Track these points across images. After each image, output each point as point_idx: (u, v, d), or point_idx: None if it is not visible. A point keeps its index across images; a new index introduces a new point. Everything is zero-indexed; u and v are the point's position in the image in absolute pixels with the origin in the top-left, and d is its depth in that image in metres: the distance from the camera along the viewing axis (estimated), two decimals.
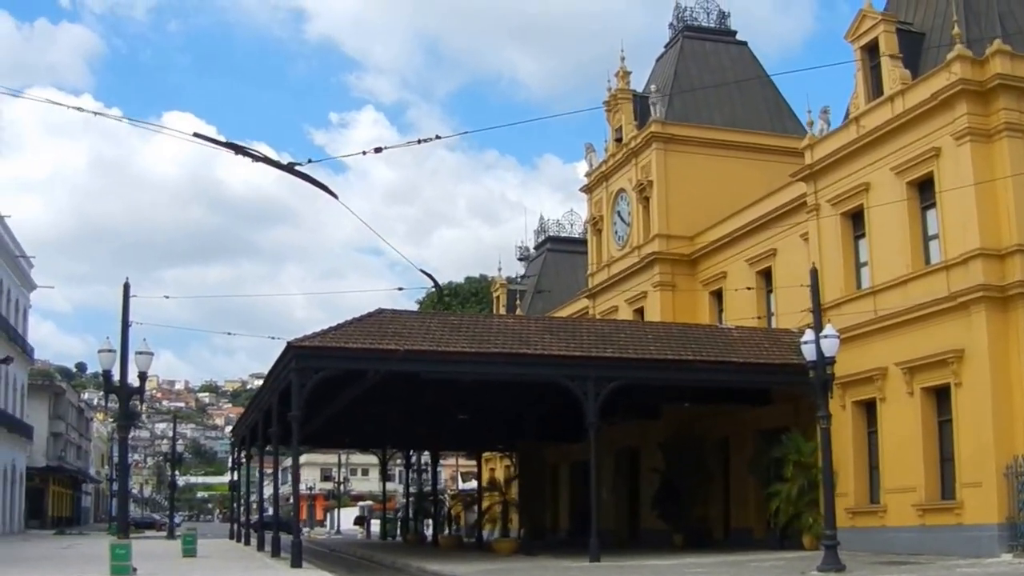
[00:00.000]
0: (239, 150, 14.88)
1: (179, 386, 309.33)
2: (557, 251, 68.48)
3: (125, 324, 29.85)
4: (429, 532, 62.40)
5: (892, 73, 34.05)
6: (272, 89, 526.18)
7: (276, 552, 38.63)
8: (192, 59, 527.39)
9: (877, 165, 34.31)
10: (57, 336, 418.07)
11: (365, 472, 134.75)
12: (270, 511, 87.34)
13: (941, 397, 31.90)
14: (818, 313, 28.53)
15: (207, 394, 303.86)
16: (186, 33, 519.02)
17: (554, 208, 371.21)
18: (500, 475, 68.50)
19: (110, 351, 28.68)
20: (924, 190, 32.94)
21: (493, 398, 42.72)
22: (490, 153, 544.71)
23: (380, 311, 34.71)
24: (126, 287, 30.36)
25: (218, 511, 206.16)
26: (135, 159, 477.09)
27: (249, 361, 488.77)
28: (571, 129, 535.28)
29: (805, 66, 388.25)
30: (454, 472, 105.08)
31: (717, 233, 45.77)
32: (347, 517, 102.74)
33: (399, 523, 72.43)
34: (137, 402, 30.80)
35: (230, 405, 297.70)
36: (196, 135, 14.93)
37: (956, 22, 32.06)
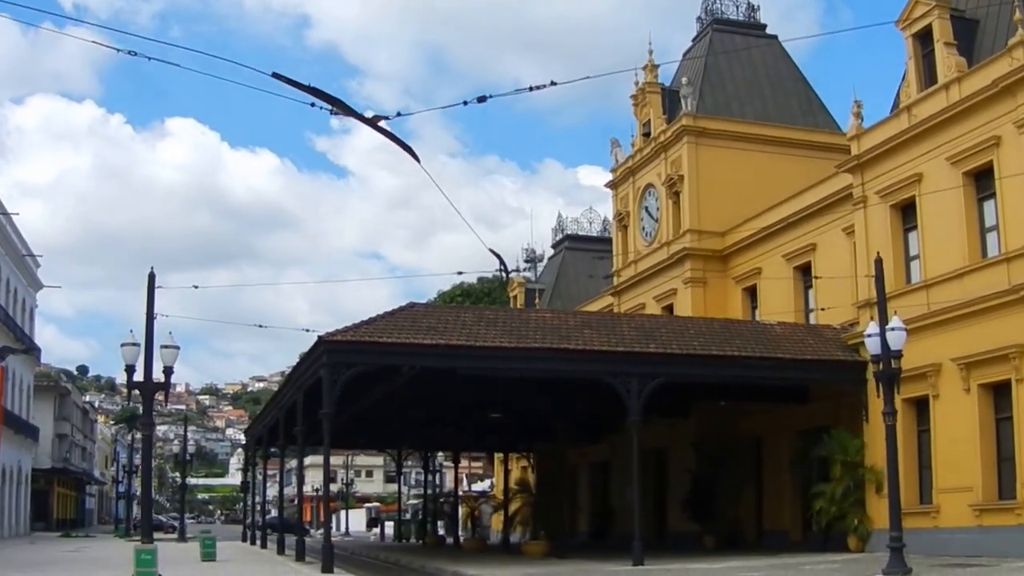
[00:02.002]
0: (319, 95, 13.59)
1: (179, 389, 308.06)
2: (576, 249, 67.19)
3: (150, 317, 28.45)
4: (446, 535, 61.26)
5: (947, 60, 32.88)
6: (274, 96, 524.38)
7: (300, 556, 37.35)
8: (195, 66, 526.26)
9: (931, 155, 33.14)
10: (59, 339, 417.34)
11: (369, 474, 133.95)
12: (273, 513, 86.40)
13: (1000, 394, 30.74)
14: (883, 305, 27.20)
15: (207, 397, 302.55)
16: (188, 40, 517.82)
17: (553, 213, 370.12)
18: (516, 476, 67.33)
19: (134, 345, 27.32)
20: (982, 180, 31.78)
21: (517, 397, 41.42)
22: (490, 159, 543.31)
23: (412, 305, 33.53)
24: (151, 277, 28.93)
25: (219, 513, 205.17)
26: (140, 166, 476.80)
27: (249, 364, 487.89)
28: (572, 134, 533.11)
29: (830, 60, 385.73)
30: (458, 474, 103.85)
31: (751, 228, 44.55)
32: (353, 519, 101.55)
33: (413, 525, 71.26)
34: (161, 399, 29.28)
35: (230, 408, 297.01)
36: (275, 75, 13.64)
37: (1018, 7, 30.85)
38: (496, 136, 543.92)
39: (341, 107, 14.08)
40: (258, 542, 55.61)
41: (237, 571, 32.11)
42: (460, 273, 75.63)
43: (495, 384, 36.70)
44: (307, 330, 32.18)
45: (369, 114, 14.83)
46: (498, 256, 25.81)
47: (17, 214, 67.80)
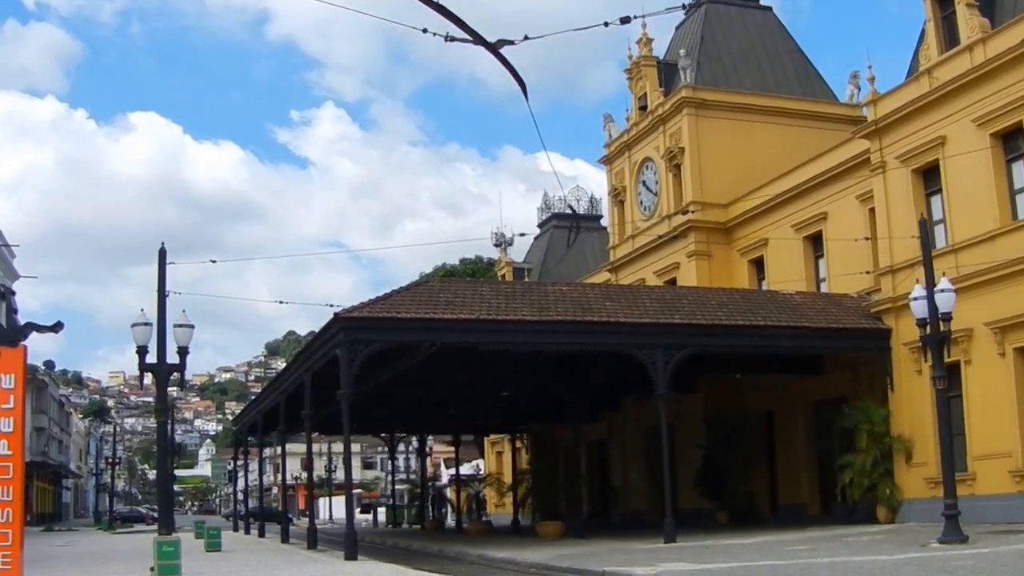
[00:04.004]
0: (444, 12, 12.59)
1: (147, 380, 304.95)
2: (564, 227, 66.11)
3: (162, 295, 27.23)
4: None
5: (970, 22, 32.13)
6: (234, 89, 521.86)
7: (313, 544, 36.38)
8: (156, 61, 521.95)
9: (955, 117, 32.40)
10: None
11: None
12: (251, 503, 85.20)
13: None
14: (929, 266, 26.48)
15: (174, 389, 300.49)
16: (148, 36, 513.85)
17: (516, 199, 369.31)
18: (508, 459, 66.49)
19: (145, 324, 26.06)
20: (1010, 141, 31.15)
21: (521, 375, 40.59)
22: (451, 146, 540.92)
23: (428, 279, 32.52)
24: (162, 253, 27.64)
25: (190, 503, 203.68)
26: (103, 160, 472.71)
27: (215, 356, 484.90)
28: (531, 122, 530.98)
29: (821, 28, 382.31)
30: (432, 459, 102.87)
31: (757, 199, 43.76)
32: (336, 506, 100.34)
33: (407, 510, 70.32)
34: (178, 382, 28.06)
35: (198, 399, 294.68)
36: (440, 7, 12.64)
37: None
38: (457, 124, 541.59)
39: (464, 27, 13.06)
40: (253, 531, 54.63)
41: (254, 562, 30.91)
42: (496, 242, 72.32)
43: (500, 362, 35.99)
44: (329, 305, 30.94)
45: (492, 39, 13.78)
46: (571, 207, 24.79)
47: None
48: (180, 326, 26.53)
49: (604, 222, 63.86)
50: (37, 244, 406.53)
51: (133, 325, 25.97)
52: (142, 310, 26.42)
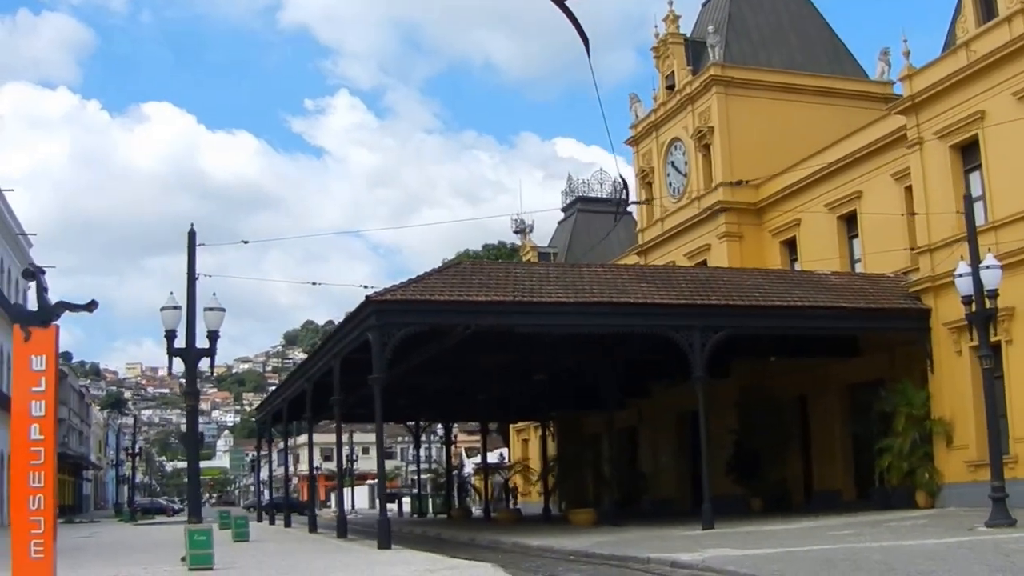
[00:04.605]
0: None
1: (162, 372, 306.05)
2: (588, 211, 65.53)
3: (191, 278, 26.68)
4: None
5: None
6: (247, 78, 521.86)
7: (343, 533, 35.84)
8: (168, 50, 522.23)
9: (994, 91, 31.74)
10: None
11: (366, 451, 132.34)
12: (265, 494, 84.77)
13: None
14: (974, 242, 25.79)
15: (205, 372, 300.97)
16: (160, 25, 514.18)
17: (534, 186, 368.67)
18: (535, 447, 65.91)
19: (175, 308, 25.46)
20: None
21: (551, 360, 40.01)
22: (468, 133, 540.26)
23: (459, 262, 31.95)
24: (191, 235, 27.11)
25: (209, 495, 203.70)
26: (117, 151, 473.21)
27: (233, 346, 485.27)
28: (547, 107, 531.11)
29: (850, 4, 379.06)
30: (458, 447, 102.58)
31: (790, 179, 43.05)
32: (357, 496, 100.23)
33: (433, 499, 69.82)
34: (208, 366, 27.39)
35: (215, 390, 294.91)
36: None
37: None
38: (473, 111, 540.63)
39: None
40: (278, 522, 54.20)
41: (285, 551, 30.38)
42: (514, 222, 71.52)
43: (532, 346, 35.47)
44: (364, 286, 30.30)
45: None
46: (623, 178, 24.19)
47: (12, 190, 65.74)
48: (210, 309, 25.95)
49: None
50: (52, 236, 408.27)
51: (162, 309, 25.34)
52: (171, 293, 25.82)
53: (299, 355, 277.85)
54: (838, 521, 30.09)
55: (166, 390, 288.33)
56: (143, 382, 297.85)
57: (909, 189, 36.17)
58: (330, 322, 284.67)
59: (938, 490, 33.12)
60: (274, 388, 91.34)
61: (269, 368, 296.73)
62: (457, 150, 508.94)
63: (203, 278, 26.79)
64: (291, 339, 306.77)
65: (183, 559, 23.93)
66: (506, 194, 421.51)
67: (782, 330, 33.80)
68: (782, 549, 22.00)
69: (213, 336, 26.06)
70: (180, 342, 25.23)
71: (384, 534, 28.37)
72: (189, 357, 25.70)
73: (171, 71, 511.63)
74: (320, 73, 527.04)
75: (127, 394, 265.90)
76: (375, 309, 29.32)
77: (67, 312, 16.64)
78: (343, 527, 36.16)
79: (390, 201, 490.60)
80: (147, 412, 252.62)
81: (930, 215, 33.65)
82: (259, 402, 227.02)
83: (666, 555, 21.88)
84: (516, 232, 78.80)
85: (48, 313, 15.68)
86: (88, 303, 16.60)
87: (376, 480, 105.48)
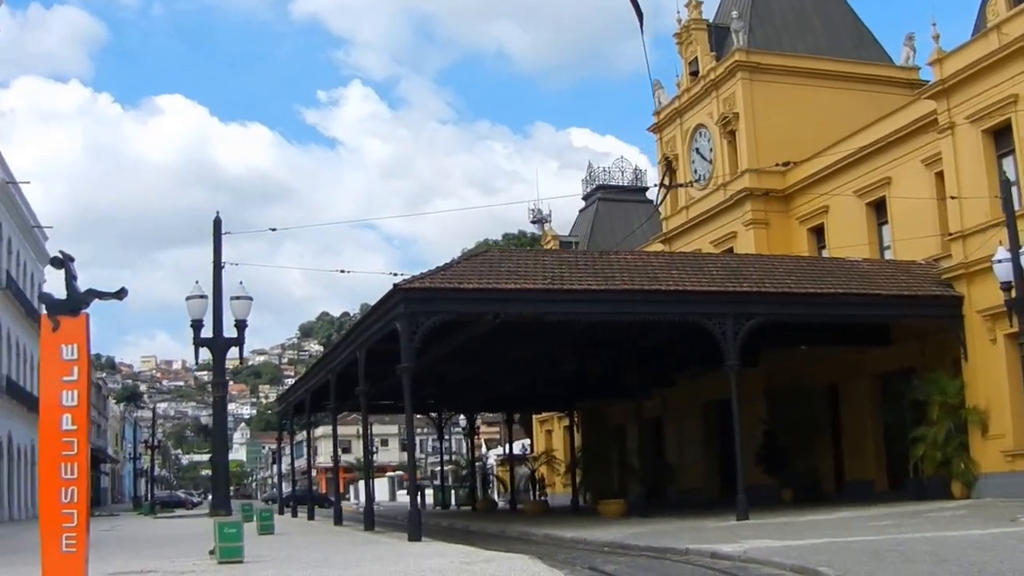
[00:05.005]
0: None
1: (176, 366, 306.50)
2: (609, 200, 65.01)
3: (217, 266, 26.33)
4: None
5: None
6: (260, 69, 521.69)
7: (370, 525, 35.41)
8: (179, 43, 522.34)
9: None
10: None
11: (384, 443, 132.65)
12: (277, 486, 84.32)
13: None
14: (1013, 228, 25.37)
15: (207, 372, 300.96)
16: (171, 17, 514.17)
17: (549, 176, 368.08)
18: (558, 438, 65.51)
19: (201, 297, 25.09)
20: None
21: (580, 348, 39.54)
22: (482, 124, 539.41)
23: (487, 250, 31.52)
24: (217, 222, 26.76)
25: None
26: (130, 144, 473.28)
27: (248, 338, 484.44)
28: (561, 97, 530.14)
29: None
30: (479, 439, 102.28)
31: (817, 165, 42.46)
32: (377, 488, 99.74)
33: (456, 491, 69.46)
34: (237, 355, 27.02)
35: (232, 382, 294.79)
36: None
37: None
38: (487, 101, 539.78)
39: None
40: (301, 514, 53.88)
41: (312, 544, 29.90)
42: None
43: (561, 335, 35.07)
44: (393, 273, 29.94)
45: None
46: (669, 161, 23.70)
47: (28, 183, 65.37)
48: (237, 298, 25.62)
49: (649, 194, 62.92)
50: (64, 230, 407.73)
51: (188, 298, 25.02)
52: (196, 282, 25.48)
53: (315, 347, 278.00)
54: (874, 512, 29.58)
55: (181, 383, 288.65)
56: (158, 375, 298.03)
57: (940, 175, 35.66)
58: (345, 314, 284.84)
59: (974, 480, 32.62)
60: (293, 381, 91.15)
61: (285, 360, 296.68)
62: (471, 140, 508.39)
63: (228, 267, 26.58)
64: (307, 331, 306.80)
65: (211, 552, 23.53)
66: (521, 184, 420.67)
67: (816, 317, 33.26)
68: (824, 540, 21.56)
69: (241, 325, 25.74)
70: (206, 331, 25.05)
71: (415, 526, 27.97)
72: (216, 347, 25.38)
73: (183, 63, 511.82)
74: (333, 64, 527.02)
75: (142, 387, 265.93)
76: (403, 297, 28.88)
77: (96, 300, 16.27)
78: (370, 519, 35.72)
79: (404, 192, 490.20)
80: (162, 405, 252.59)
81: (962, 201, 33.11)
82: (275, 395, 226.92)
83: (705, 546, 21.46)
84: (533, 222, 78.38)
85: (77, 301, 15.24)
86: (118, 291, 16.18)
87: (395, 472, 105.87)
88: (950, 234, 34.18)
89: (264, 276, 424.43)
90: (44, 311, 14.86)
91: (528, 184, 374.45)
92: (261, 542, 30.32)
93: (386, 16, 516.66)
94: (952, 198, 33.08)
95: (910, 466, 34.62)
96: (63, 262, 15.35)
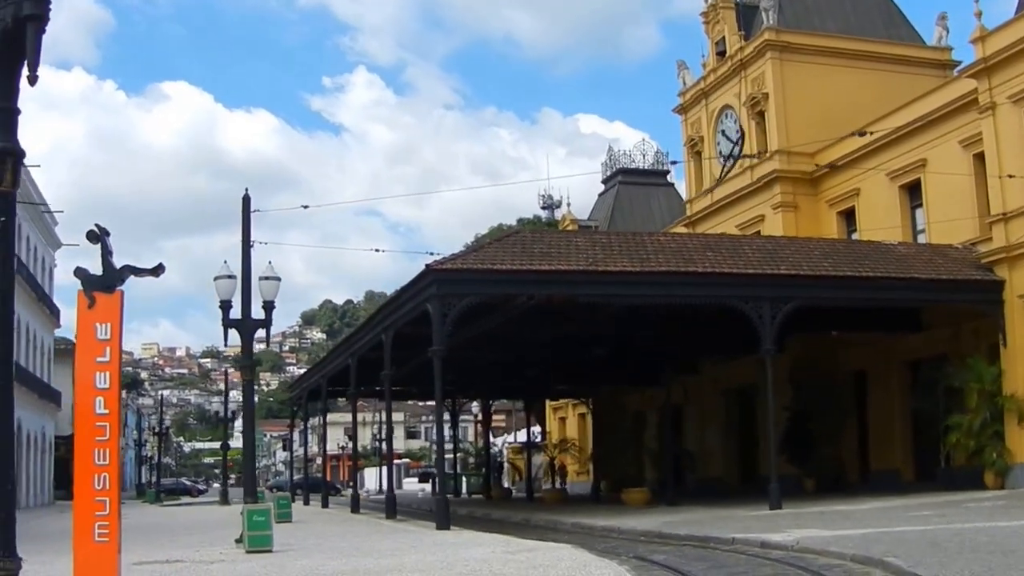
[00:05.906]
0: None
1: (180, 353, 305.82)
2: (630, 183, 63.91)
3: (246, 245, 25.51)
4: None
5: None
6: (265, 56, 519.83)
7: (391, 513, 34.66)
8: (184, 29, 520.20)
9: None
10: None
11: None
12: (285, 475, 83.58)
13: None
14: None
15: (209, 360, 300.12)
16: (175, 3, 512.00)
17: (556, 163, 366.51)
18: (573, 425, 64.70)
19: (229, 277, 24.29)
20: None
21: (609, 332, 38.66)
22: (489, 110, 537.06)
23: (518, 230, 30.69)
24: (246, 200, 25.92)
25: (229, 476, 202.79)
26: (135, 131, 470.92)
27: None
28: (569, 83, 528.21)
29: None
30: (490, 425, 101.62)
31: (848, 147, 41.38)
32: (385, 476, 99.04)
33: (469, 479, 68.71)
34: (264, 338, 26.13)
35: (233, 369, 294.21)
36: None
37: None
38: (493, 87, 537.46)
39: None
40: (314, 503, 53.23)
41: (336, 532, 29.11)
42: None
43: (593, 318, 34.21)
44: (430, 253, 29.23)
45: None
46: (742, 131, 22.76)
47: (38, 166, 64.46)
48: (266, 279, 24.85)
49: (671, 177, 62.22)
50: (68, 216, 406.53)
51: (216, 278, 24.29)
52: (225, 262, 24.71)
53: (317, 335, 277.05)
54: (908, 502, 28.79)
55: (184, 371, 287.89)
56: (160, 362, 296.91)
57: (979, 156, 34.74)
58: (348, 302, 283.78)
59: (1007, 470, 31.74)
60: (295, 369, 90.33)
61: (287, 348, 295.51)
62: (477, 127, 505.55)
63: (230, 260, 25.67)
64: (309, 319, 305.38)
65: (237, 540, 22.78)
66: (526, 171, 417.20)
67: (857, 302, 32.46)
68: (873, 530, 20.78)
69: (269, 306, 24.97)
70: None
71: (443, 515, 27.33)
72: (245, 328, 24.56)
73: (188, 50, 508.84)
74: (338, 50, 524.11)
75: (143, 374, 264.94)
76: (436, 278, 28.20)
77: (133, 276, 15.46)
78: (391, 507, 35.00)
79: (409, 179, 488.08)
80: (164, 392, 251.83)
81: (1004, 182, 32.20)
82: (276, 383, 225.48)
83: (752, 535, 20.75)
84: (544, 207, 77.36)
85: (113, 277, 14.39)
86: (155, 267, 15.35)
87: (402, 460, 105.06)
88: (992, 217, 33.24)
89: (263, 263, 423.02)
90: (80, 287, 14.01)
91: (533, 171, 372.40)
92: (282, 530, 29.43)
93: (393, 1, 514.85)
94: (1003, 177, 32.03)
95: (942, 455, 33.77)
96: (99, 236, 14.40)
